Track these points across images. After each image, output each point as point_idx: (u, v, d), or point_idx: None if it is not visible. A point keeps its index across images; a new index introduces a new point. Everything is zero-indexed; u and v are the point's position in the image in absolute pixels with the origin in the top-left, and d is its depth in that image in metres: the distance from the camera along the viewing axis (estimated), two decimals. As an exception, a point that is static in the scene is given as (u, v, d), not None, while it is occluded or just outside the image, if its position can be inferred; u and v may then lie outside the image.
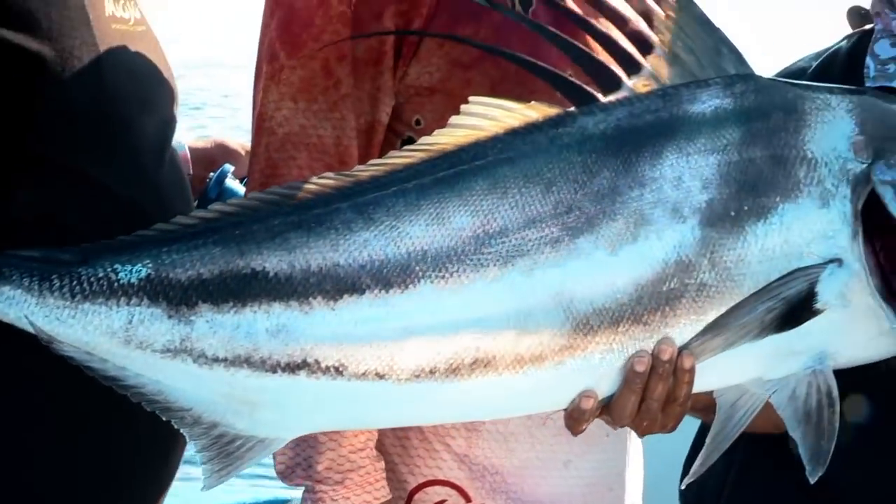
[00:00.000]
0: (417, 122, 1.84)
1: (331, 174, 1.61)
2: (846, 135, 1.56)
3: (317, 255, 1.54)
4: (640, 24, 1.59)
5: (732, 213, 1.51)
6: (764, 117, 1.56)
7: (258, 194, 1.61)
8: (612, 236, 1.51)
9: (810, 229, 1.52)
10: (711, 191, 1.51)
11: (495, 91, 1.74)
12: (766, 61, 2.24)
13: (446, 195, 1.54)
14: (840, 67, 2.06)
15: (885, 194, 1.53)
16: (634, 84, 1.58)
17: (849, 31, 2.16)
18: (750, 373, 1.58)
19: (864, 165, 1.55)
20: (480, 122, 1.58)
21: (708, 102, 1.56)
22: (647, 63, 1.59)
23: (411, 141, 1.77)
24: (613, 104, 1.58)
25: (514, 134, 1.57)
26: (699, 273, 1.50)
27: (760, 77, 1.61)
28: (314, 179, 1.60)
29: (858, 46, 2.07)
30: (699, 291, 1.51)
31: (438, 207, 1.54)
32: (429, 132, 1.61)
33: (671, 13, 1.59)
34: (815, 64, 2.10)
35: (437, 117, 1.78)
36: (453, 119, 1.58)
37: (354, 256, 1.53)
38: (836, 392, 1.56)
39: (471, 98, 1.59)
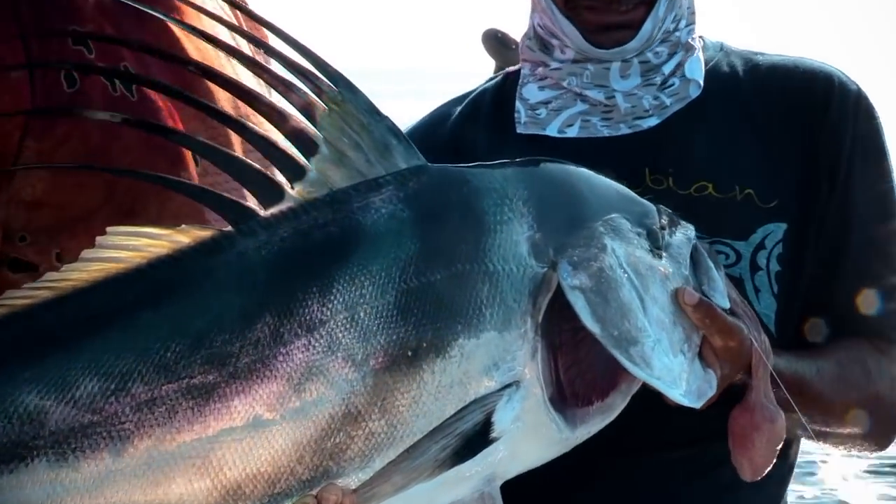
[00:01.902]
0: (22, 239, 1.58)
1: None
2: (525, 234, 1.44)
3: None
4: (302, 120, 1.39)
5: (410, 353, 1.35)
6: (442, 226, 1.42)
7: None
8: (272, 394, 1.32)
9: (490, 356, 1.39)
10: (388, 330, 1.35)
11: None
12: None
13: (72, 351, 1.31)
14: (486, 113, 1.95)
15: (577, 302, 1.43)
16: (299, 191, 1.39)
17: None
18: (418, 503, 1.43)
19: (545, 269, 1.43)
20: (119, 254, 1.33)
21: (382, 210, 1.40)
22: (311, 166, 1.39)
23: (18, 263, 1.51)
24: (277, 219, 1.38)
25: (159, 268, 1.34)
26: (368, 422, 1.35)
27: (432, 169, 1.46)
28: None
29: (503, 89, 1.96)
30: (367, 440, 1.35)
31: (62, 368, 1.30)
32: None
33: (335, 106, 1.40)
34: (458, 109, 1.98)
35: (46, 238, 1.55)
36: (85, 252, 1.34)
37: None
38: None
39: (108, 228, 1.34)
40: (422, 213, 1.41)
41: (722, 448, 1.57)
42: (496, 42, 5.04)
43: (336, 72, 1.42)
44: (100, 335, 1.32)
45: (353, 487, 1.36)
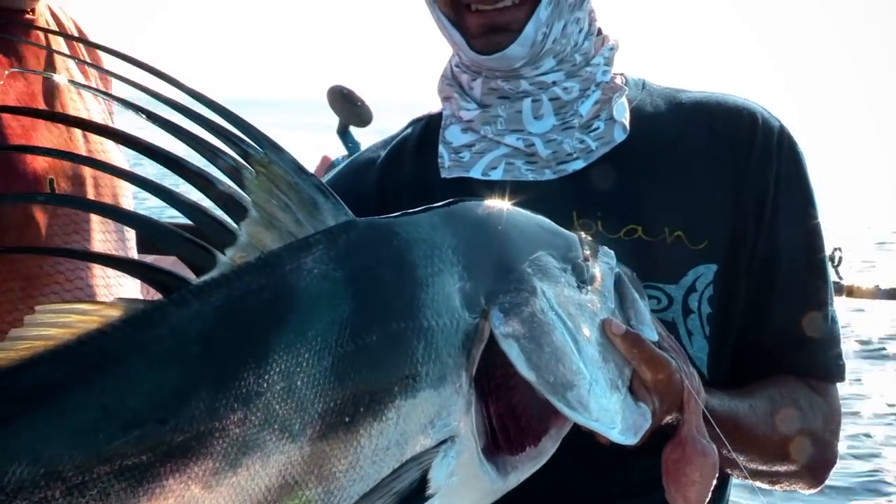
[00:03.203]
0: None
1: None
2: (456, 285, 1.42)
3: None
4: (230, 185, 1.36)
5: (347, 420, 1.32)
6: (374, 284, 1.39)
7: None
8: (207, 471, 1.27)
9: (426, 414, 1.37)
10: (326, 397, 1.32)
11: None
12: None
13: None
14: (410, 157, 1.93)
15: (511, 351, 1.40)
16: (231, 257, 1.35)
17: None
18: None
19: (477, 319, 1.41)
20: (48, 331, 1.29)
21: (314, 271, 1.36)
22: (242, 230, 1.36)
23: None
24: (209, 287, 1.34)
25: (89, 345, 1.29)
26: (305, 491, 1.32)
27: (360, 223, 1.43)
28: None
29: (427, 132, 1.95)
30: None
31: None
32: None
33: (261, 168, 1.37)
34: (382, 154, 1.96)
35: None
36: (13, 332, 1.29)
37: None
38: None
39: (37, 307, 1.29)
40: (354, 271, 1.38)
41: (660, 497, 1.56)
42: (342, 98, 5.06)
43: (260, 133, 1.39)
44: (28, 418, 1.26)
45: None
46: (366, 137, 5.22)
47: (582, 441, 1.51)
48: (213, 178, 1.36)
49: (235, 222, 1.36)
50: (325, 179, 2.05)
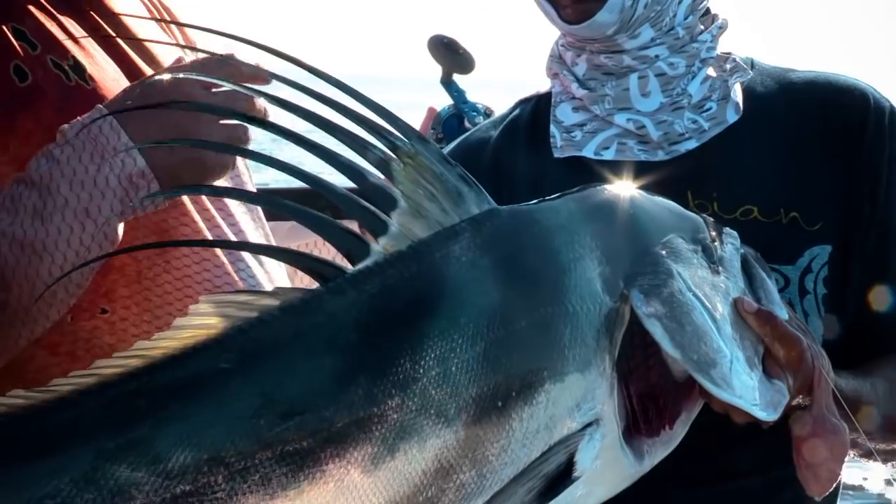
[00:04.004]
0: None
1: (21, 391, 1.31)
2: (597, 271, 1.46)
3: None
4: (380, 176, 1.40)
5: (500, 404, 1.36)
6: (520, 270, 1.43)
7: None
8: (366, 456, 1.31)
9: (574, 397, 1.41)
10: (479, 382, 1.36)
11: None
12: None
13: (162, 422, 1.29)
14: (523, 136, 1.96)
15: (655, 330, 1.44)
16: (384, 246, 1.39)
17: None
18: None
19: (618, 303, 1.45)
20: (209, 321, 1.33)
21: (462, 258, 1.40)
22: (393, 221, 1.40)
23: None
24: (364, 275, 1.38)
25: (249, 333, 1.33)
26: (459, 474, 1.35)
27: (501, 211, 1.47)
28: (4, 398, 1.30)
29: (537, 112, 1.98)
30: (458, 492, 1.36)
31: (153, 439, 1.28)
32: None
33: (409, 160, 1.41)
34: (494, 133, 1.99)
35: None
36: (177, 321, 1.33)
37: (45, 501, 1.25)
38: None
39: (201, 297, 1.34)
40: (500, 258, 1.42)
41: (779, 474, 1.59)
42: (443, 46, 5.03)
43: (407, 125, 1.43)
44: (191, 404, 1.31)
45: None
46: (469, 85, 5.19)
47: (702, 420, 1.55)
48: (363, 170, 1.40)
49: (385, 213, 1.40)
50: None
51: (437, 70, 5.14)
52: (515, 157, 1.93)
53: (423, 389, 1.33)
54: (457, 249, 1.41)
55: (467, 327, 1.37)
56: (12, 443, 1.30)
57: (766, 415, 1.47)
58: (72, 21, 1.80)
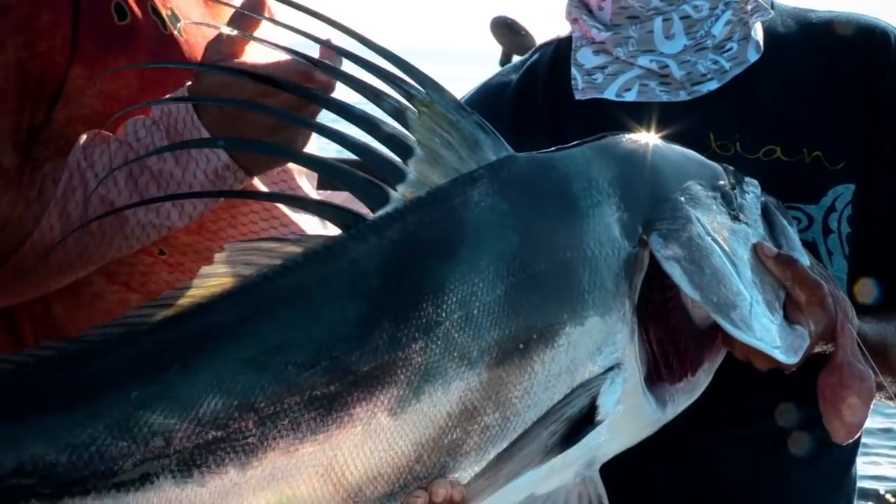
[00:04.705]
0: None
1: (52, 342, 1.35)
2: (615, 216, 1.47)
3: (32, 447, 1.31)
4: (395, 125, 1.41)
5: (521, 346, 1.39)
6: (539, 215, 1.45)
7: None
8: (392, 399, 1.34)
9: (594, 341, 1.43)
10: (501, 325, 1.38)
11: None
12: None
13: (193, 369, 1.33)
14: (543, 79, 1.97)
15: (674, 272, 1.46)
16: (403, 193, 1.41)
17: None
18: (522, 493, 1.46)
19: (637, 248, 1.47)
20: (235, 269, 1.36)
21: (481, 204, 1.43)
22: (410, 168, 1.42)
23: None
24: (384, 221, 1.40)
25: (274, 281, 1.36)
26: (483, 417, 1.38)
27: (520, 158, 1.49)
28: (36, 350, 1.35)
29: (557, 56, 1.98)
30: (482, 434, 1.39)
31: (184, 386, 1.32)
32: None
33: (424, 108, 1.43)
34: (515, 77, 1.99)
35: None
36: (203, 269, 1.36)
37: (81, 449, 1.31)
38: (605, 498, 1.49)
39: (225, 245, 1.37)
40: (518, 203, 1.44)
41: (803, 417, 1.60)
42: (505, 28, 5.00)
43: (422, 74, 1.44)
44: (220, 351, 1.34)
45: (467, 481, 1.39)
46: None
47: (723, 368, 1.56)
48: (378, 120, 1.42)
49: (403, 161, 1.42)
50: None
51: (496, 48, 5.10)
52: (535, 99, 1.94)
53: (445, 333, 1.36)
54: (475, 195, 1.42)
55: (487, 271, 1.39)
56: (46, 393, 1.34)
57: (786, 358, 1.48)
58: None
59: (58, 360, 1.36)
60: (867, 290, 1.79)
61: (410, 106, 1.42)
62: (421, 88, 1.43)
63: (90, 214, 1.63)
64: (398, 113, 1.42)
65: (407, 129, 1.42)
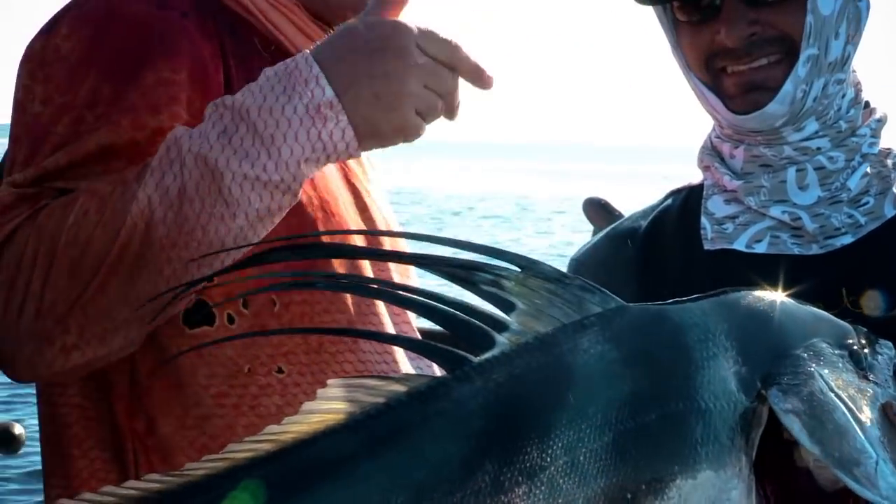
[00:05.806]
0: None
1: (156, 476, 1.36)
2: (731, 369, 1.43)
3: None
4: (493, 290, 1.39)
5: (629, 496, 1.34)
6: (651, 365, 1.41)
7: None
8: None
9: (707, 496, 1.37)
10: (608, 473, 1.34)
11: None
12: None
13: None
14: (672, 227, 1.95)
15: (793, 426, 1.40)
16: (508, 338, 1.40)
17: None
18: None
19: (755, 403, 1.42)
20: (338, 405, 1.35)
21: (591, 351, 1.39)
22: (513, 320, 1.39)
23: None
24: (490, 364, 1.38)
25: (377, 418, 1.35)
26: None
27: (633, 308, 1.45)
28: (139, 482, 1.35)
29: (688, 203, 1.96)
30: None
31: None
32: None
33: (519, 281, 1.39)
34: (644, 223, 1.98)
35: None
36: (306, 405, 1.36)
37: None
38: None
39: (329, 381, 1.36)
40: (629, 352, 1.41)
41: None
42: (600, 209, 5.11)
43: (513, 255, 1.42)
44: (321, 489, 1.33)
45: None
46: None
47: None
48: (476, 277, 1.38)
49: (506, 314, 1.40)
50: (583, 248, 2.09)
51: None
52: (664, 247, 1.92)
53: (550, 478, 1.32)
54: (584, 342, 1.40)
55: (595, 417, 1.35)
56: None
57: None
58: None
59: (160, 494, 1.35)
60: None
61: (506, 277, 1.40)
62: (514, 268, 1.40)
63: (185, 181, 1.60)
64: (493, 283, 1.39)
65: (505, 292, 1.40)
